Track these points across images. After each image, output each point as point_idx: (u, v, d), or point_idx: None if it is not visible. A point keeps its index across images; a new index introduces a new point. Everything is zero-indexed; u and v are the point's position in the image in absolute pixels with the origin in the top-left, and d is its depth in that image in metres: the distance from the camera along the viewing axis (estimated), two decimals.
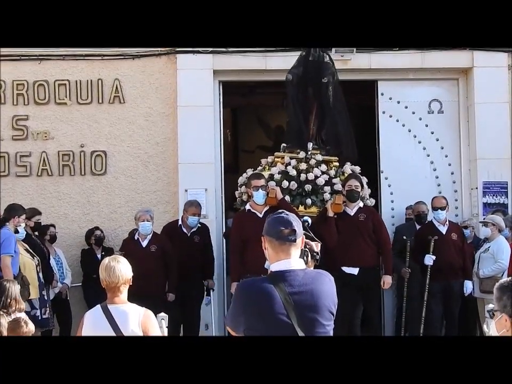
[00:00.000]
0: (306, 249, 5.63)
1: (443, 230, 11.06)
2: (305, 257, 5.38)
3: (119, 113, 12.74)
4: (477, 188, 12.77)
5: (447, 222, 11.16)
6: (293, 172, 10.57)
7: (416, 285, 11.42)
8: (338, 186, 10.49)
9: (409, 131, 13.05)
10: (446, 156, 13.11)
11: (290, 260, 4.83)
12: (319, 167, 10.63)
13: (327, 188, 10.50)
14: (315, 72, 11.14)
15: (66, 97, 12.72)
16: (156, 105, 12.76)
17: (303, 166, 10.59)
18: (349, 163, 10.88)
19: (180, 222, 11.35)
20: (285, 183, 10.43)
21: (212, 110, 12.69)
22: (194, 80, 12.68)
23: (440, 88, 13.31)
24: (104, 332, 6.31)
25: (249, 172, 10.93)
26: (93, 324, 6.37)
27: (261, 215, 9.99)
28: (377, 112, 13.04)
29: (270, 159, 11.07)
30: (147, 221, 11.02)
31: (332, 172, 10.66)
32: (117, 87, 12.76)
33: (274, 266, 4.85)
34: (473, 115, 12.90)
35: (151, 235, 11.07)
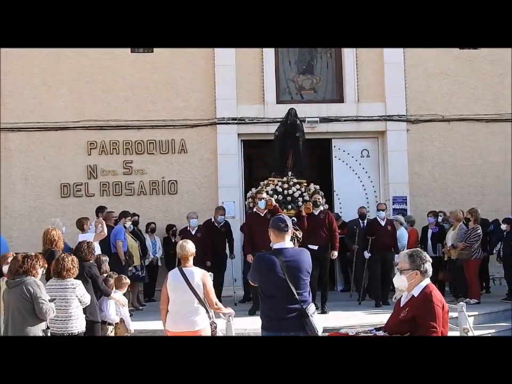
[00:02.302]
0: (293, 236, 5.79)
1: (382, 223, 11.78)
2: (293, 240, 5.58)
3: (184, 158, 13.95)
4: (389, 200, 13.91)
5: (385, 218, 11.87)
6: (280, 189, 11.50)
7: (361, 257, 11.90)
8: (306, 198, 11.33)
9: (350, 167, 14.28)
10: (371, 182, 14.34)
11: (285, 242, 5.21)
12: (295, 186, 11.54)
13: (300, 199, 11.43)
14: (291, 130, 11.90)
15: (154, 149, 13.90)
16: (205, 154, 13.97)
17: (285, 185, 11.54)
18: (312, 184, 11.69)
19: (212, 220, 12.23)
20: (275, 196, 11.30)
21: (236, 156, 13.91)
22: (226, 139, 13.87)
23: (368, 143, 14.41)
24: (180, 283, 6.57)
25: (254, 190, 11.88)
26: (173, 279, 6.66)
27: (262, 215, 10.70)
28: (331, 157, 14.28)
29: (265, 181, 11.93)
30: (195, 218, 12.06)
31: (303, 189, 11.55)
32: (182, 144, 13.92)
33: (275, 245, 5.25)
34: (387, 158, 14.11)
35: (196, 227, 12.00)
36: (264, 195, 10.77)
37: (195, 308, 6.57)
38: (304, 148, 11.89)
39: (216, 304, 6.73)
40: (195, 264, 6.81)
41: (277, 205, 10.93)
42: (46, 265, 6.83)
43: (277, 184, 11.47)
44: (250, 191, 11.99)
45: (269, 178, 11.82)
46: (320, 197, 11.01)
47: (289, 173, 11.64)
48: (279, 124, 12.30)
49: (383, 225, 11.70)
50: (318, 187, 11.59)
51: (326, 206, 11.49)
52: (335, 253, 10.82)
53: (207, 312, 6.70)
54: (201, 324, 6.61)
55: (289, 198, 11.30)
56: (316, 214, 10.87)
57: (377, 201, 13.84)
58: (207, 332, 6.66)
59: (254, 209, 10.88)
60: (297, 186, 11.50)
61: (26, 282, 6.29)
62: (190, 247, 6.69)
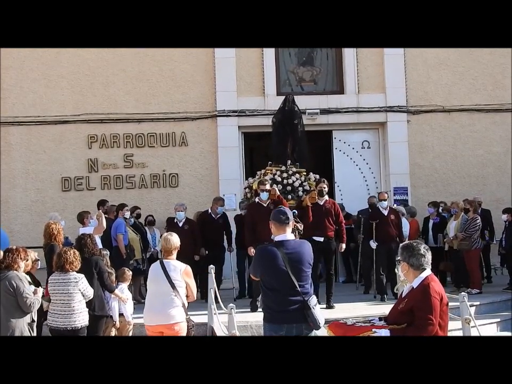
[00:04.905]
0: (294, 228, 6.08)
1: (385, 212, 11.30)
2: (294, 233, 5.72)
3: (185, 151, 13.97)
4: (390, 191, 13.86)
5: (388, 208, 11.43)
6: (279, 179, 10.98)
7: (367, 246, 11.63)
8: (306, 187, 10.86)
9: (351, 159, 14.34)
10: (372, 173, 14.39)
11: (286, 234, 5.26)
12: (294, 175, 11.06)
13: (300, 188, 10.99)
14: (289, 117, 11.46)
15: (154, 142, 13.92)
16: (206, 147, 14.00)
17: (284, 175, 11.03)
18: (311, 173, 11.27)
19: (209, 211, 11.78)
20: (274, 186, 10.57)
21: (237, 149, 13.94)
22: (227, 132, 13.87)
23: (368, 134, 14.45)
24: (158, 274, 6.50)
25: (251, 180, 11.48)
26: (153, 270, 6.64)
27: (265, 205, 10.10)
28: (332, 149, 14.33)
29: (262, 171, 11.42)
30: (181, 211, 11.55)
31: (302, 178, 11.09)
32: (183, 136, 13.93)
33: (276, 238, 5.29)
34: (387, 149, 14.18)
35: (184, 219, 11.56)
36: (268, 186, 10.19)
37: (170, 300, 6.43)
38: (303, 134, 11.52)
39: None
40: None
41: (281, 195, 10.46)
42: (28, 258, 6.72)
43: (276, 174, 11.05)
44: (247, 181, 11.70)
45: (267, 168, 11.43)
46: (326, 186, 10.46)
47: (288, 162, 11.22)
48: (276, 111, 11.99)
49: (385, 214, 11.32)
50: (317, 176, 11.20)
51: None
52: (343, 246, 10.41)
53: (184, 307, 6.52)
54: (176, 318, 6.45)
55: (288, 188, 10.92)
56: (321, 204, 10.33)
57: (378, 192, 13.44)
58: (182, 328, 6.51)
59: (256, 199, 10.42)
60: (297, 175, 11.08)
61: (9, 277, 6.31)
62: (174, 240, 6.58)
